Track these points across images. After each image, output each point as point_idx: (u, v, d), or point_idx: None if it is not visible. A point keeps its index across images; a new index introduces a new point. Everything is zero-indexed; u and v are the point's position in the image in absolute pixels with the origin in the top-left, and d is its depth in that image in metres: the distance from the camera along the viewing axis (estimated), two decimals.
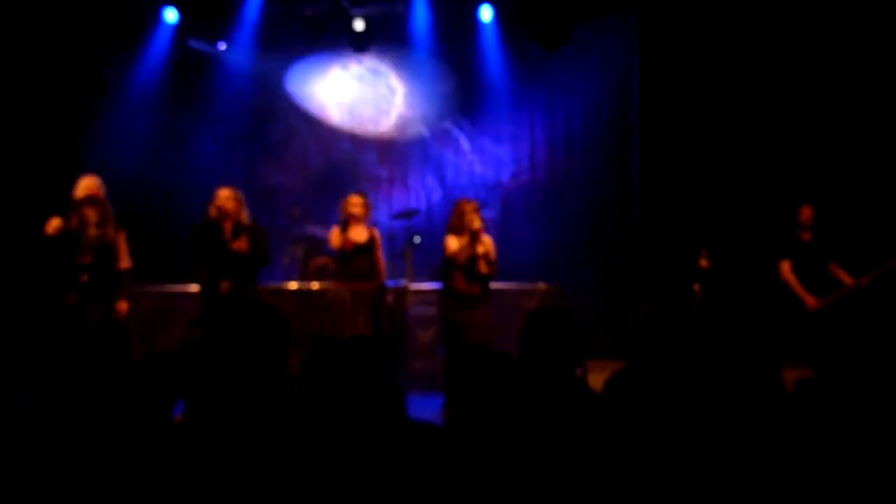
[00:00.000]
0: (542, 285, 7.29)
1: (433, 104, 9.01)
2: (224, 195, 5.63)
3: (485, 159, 9.01)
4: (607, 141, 8.84)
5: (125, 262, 5.49)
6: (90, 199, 5.23)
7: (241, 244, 5.48)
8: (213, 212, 5.57)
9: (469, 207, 5.79)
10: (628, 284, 8.07)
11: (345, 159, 9.21)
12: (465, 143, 9.05)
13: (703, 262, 6.63)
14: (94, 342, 5.21)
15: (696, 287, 6.70)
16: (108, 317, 5.31)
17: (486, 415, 2.21)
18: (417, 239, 7.46)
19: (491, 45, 8.84)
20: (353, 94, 9.17)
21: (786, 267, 6.36)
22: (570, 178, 8.82)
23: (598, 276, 8.26)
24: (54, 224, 5.17)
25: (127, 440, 2.13)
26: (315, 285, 7.15)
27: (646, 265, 8.12)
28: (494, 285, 6.21)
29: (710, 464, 1.99)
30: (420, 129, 9.11)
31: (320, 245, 8.04)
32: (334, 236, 5.95)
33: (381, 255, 6.13)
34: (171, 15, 8.48)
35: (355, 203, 5.98)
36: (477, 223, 5.64)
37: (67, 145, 8.11)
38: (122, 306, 5.59)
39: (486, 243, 5.75)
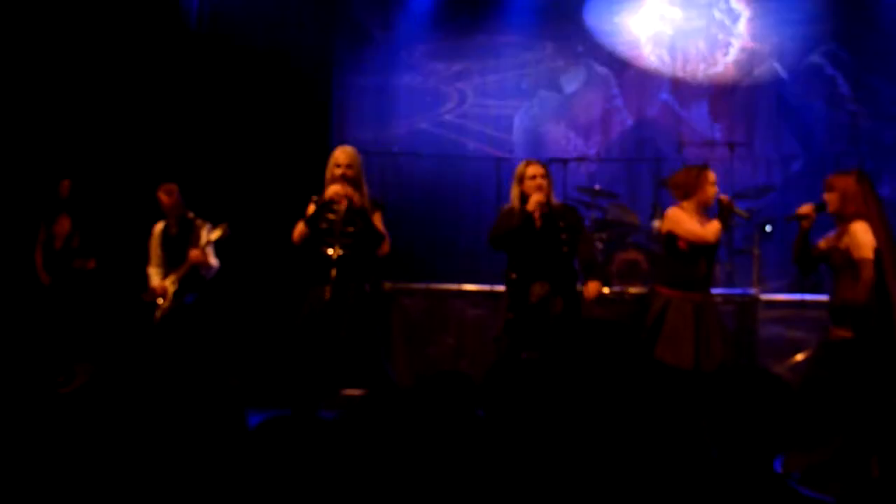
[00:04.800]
0: None
1: (793, 30, 7.75)
2: (535, 171, 5.12)
3: (876, 109, 7.60)
4: None
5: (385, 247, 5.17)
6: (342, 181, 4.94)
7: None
8: (532, 199, 5.07)
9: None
10: None
11: (663, 116, 8.17)
12: (843, 87, 7.72)
13: None
14: (347, 340, 4.93)
15: None
16: (361, 309, 4.95)
17: None
18: (769, 228, 6.84)
19: None
20: (677, 23, 8.07)
21: None
22: None
23: None
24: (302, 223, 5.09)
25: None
26: (631, 290, 6.51)
27: None
28: None
29: None
30: (773, 68, 7.90)
31: (627, 233, 7.12)
32: (694, 226, 5.03)
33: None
34: None
35: (714, 180, 5.16)
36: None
37: (318, 106, 7.86)
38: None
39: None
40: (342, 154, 4.97)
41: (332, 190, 4.81)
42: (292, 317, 5.17)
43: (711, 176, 5.11)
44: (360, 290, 4.95)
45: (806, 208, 4.71)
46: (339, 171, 4.88)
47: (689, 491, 2.04)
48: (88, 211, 6.44)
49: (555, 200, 5.16)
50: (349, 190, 4.81)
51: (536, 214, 5.00)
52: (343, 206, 4.83)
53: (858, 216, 4.59)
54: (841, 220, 4.66)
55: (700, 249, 5.01)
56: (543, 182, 5.02)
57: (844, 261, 4.63)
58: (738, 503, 2.01)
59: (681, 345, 4.96)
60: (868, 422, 4.51)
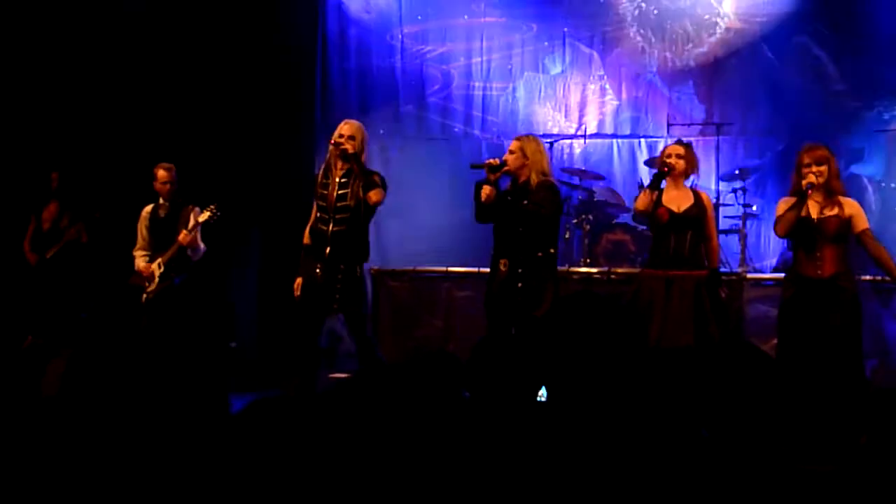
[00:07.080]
0: None
1: (779, 11, 7.52)
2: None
3: (858, 91, 7.37)
4: None
5: (375, 195, 5.00)
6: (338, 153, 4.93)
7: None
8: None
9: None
10: None
11: (649, 97, 7.91)
12: (829, 67, 7.47)
13: None
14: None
15: None
16: (350, 291, 4.90)
17: None
18: (755, 208, 6.80)
19: None
20: (663, 3, 7.78)
21: None
22: None
23: None
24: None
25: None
26: (615, 271, 6.44)
27: None
28: None
29: None
30: (759, 48, 7.63)
31: (614, 214, 7.07)
32: (641, 199, 5.10)
33: (714, 231, 5.37)
34: None
35: (667, 152, 5.23)
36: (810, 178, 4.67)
37: (304, 90, 7.57)
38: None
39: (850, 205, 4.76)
40: (346, 125, 4.97)
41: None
42: (284, 297, 5.11)
43: (667, 150, 5.23)
44: (351, 272, 4.91)
45: (813, 177, 4.61)
46: (341, 140, 4.83)
47: (680, 471, 2.00)
48: (78, 199, 6.32)
49: (537, 178, 4.94)
50: (347, 143, 4.81)
51: (486, 165, 4.88)
52: (340, 146, 4.77)
53: (841, 191, 4.65)
54: (829, 194, 4.61)
55: (667, 225, 4.98)
56: (508, 156, 4.93)
57: (841, 231, 4.59)
58: (733, 482, 1.98)
59: (645, 322, 4.88)
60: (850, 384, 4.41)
